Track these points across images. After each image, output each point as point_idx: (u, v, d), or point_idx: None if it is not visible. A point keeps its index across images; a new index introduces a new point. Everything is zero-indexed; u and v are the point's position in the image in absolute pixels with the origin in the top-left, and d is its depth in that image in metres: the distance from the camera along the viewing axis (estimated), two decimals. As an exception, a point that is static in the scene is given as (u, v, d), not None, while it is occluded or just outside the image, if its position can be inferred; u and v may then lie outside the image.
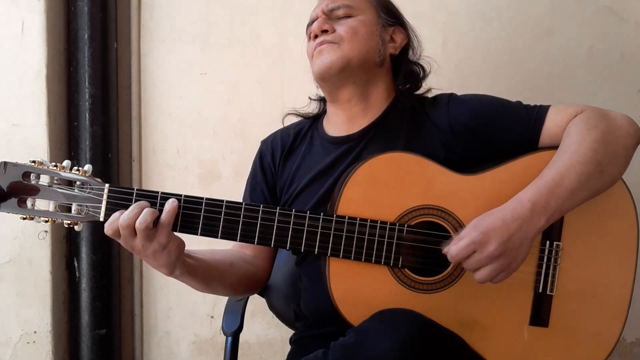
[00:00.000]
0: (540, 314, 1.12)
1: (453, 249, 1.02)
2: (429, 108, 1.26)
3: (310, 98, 1.41)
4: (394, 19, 1.31)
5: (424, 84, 1.34)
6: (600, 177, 1.08)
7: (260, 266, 1.34)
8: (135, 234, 1.03)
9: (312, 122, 1.38)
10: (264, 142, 1.41)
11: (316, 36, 1.25)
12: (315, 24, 1.25)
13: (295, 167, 1.31)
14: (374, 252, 1.10)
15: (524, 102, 1.22)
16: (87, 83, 1.82)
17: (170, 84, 1.92)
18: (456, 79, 1.73)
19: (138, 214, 1.03)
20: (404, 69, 1.32)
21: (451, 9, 1.74)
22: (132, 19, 1.92)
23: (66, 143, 1.88)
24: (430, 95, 1.33)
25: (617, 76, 1.67)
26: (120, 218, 1.03)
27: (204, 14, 1.88)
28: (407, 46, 1.33)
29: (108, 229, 1.04)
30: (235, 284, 1.29)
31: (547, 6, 1.69)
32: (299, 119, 1.41)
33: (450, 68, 1.73)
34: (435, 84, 1.35)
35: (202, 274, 1.18)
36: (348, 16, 1.25)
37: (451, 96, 1.27)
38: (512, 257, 1.02)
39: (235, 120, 1.88)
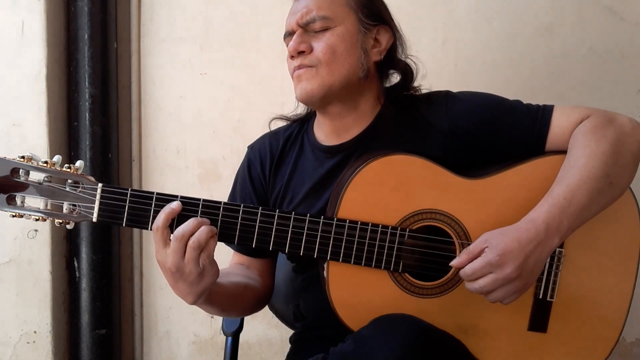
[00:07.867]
0: (539, 319, 1.12)
1: (468, 268, 1.01)
2: (424, 108, 1.21)
3: None
4: (377, 19, 1.20)
5: (420, 86, 1.28)
6: (610, 190, 1.07)
7: (264, 284, 1.31)
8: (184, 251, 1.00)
9: (301, 125, 1.32)
10: (251, 149, 1.35)
11: (293, 56, 1.17)
12: (291, 44, 1.16)
13: (287, 178, 1.26)
14: (374, 257, 1.08)
15: (524, 102, 1.20)
16: (87, 83, 1.82)
17: (170, 84, 1.92)
18: (456, 79, 1.73)
19: (195, 229, 1.00)
20: (394, 69, 1.26)
21: (451, 9, 1.74)
22: (132, 19, 1.92)
23: (66, 143, 1.88)
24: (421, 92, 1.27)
25: (616, 76, 1.66)
26: (176, 230, 1.00)
27: (204, 14, 1.88)
28: (395, 45, 1.23)
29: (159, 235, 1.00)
30: (247, 306, 1.27)
31: (546, 6, 1.69)
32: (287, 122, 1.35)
33: (450, 68, 1.73)
34: (435, 84, 1.34)
35: (220, 301, 1.15)
36: (326, 29, 1.16)
37: (448, 95, 1.22)
38: (526, 279, 1.02)
39: (235, 120, 1.88)
